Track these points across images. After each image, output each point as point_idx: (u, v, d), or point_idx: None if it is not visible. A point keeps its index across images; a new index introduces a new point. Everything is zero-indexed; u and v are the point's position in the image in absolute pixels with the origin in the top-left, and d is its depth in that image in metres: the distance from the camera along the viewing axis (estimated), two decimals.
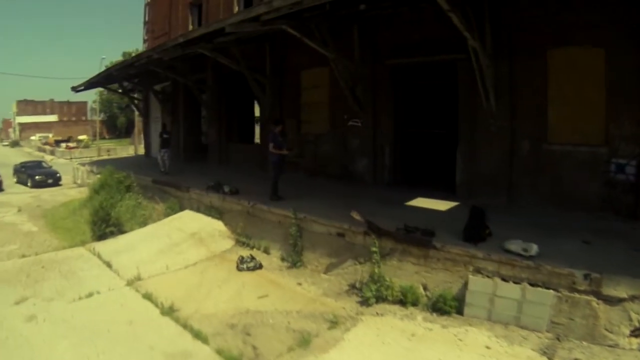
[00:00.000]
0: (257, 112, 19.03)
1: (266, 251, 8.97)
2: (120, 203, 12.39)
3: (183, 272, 8.57)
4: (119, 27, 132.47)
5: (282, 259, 8.54)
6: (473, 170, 9.94)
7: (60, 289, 7.86)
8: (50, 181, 21.14)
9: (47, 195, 18.86)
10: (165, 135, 15.18)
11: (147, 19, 21.57)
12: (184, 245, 9.66)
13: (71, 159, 35.09)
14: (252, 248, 9.27)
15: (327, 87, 12.83)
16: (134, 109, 59.61)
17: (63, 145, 43.51)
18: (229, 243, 9.83)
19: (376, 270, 6.68)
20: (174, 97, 19.53)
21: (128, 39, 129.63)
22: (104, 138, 41.30)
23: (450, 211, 8.95)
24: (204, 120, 19.99)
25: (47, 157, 37.37)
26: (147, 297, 7.34)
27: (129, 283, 8.03)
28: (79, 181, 21.05)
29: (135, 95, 22.10)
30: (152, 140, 21.91)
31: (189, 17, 18.61)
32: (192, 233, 10.12)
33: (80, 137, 45.53)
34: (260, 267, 8.42)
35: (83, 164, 21.31)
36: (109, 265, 9.00)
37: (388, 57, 11.29)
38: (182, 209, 11.84)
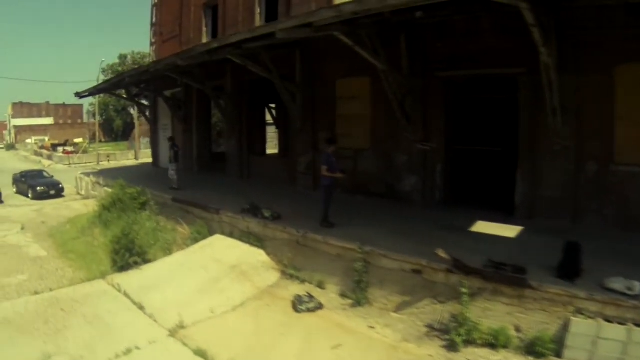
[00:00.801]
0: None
1: (320, 286, 7.80)
2: (139, 225, 10.92)
3: (232, 317, 7.23)
4: (116, 28, 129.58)
5: (342, 296, 7.45)
6: (534, 191, 9.25)
7: (89, 342, 6.45)
8: (52, 192, 19.44)
9: (51, 208, 17.21)
10: (175, 149, 13.75)
11: (154, 20, 20.06)
12: (226, 281, 8.31)
13: (70, 164, 33.12)
14: (302, 282, 8.06)
15: (368, 98, 11.64)
16: (133, 112, 58.15)
17: (60, 149, 41.27)
18: (274, 276, 8.53)
19: (464, 312, 5.99)
20: (187, 104, 18.11)
21: (125, 39, 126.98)
22: (100, 141, 39.28)
23: (520, 239, 8.16)
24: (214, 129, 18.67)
25: (45, 163, 35.27)
26: (201, 354, 6.02)
27: (172, 333, 6.66)
28: (82, 192, 19.44)
29: (143, 102, 20.54)
30: (161, 150, 20.41)
31: (203, 19, 17.21)
32: (232, 265, 8.77)
33: (77, 140, 43.39)
34: (320, 307, 7.17)
35: (87, 174, 19.68)
36: (140, 307, 7.57)
37: (439, 69, 10.25)
38: (211, 233, 10.47)
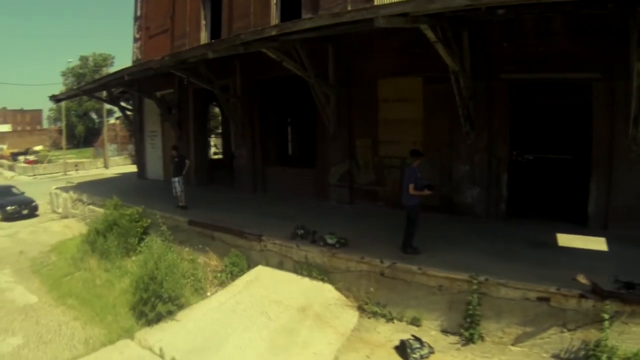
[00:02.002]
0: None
1: (415, 323, 6.57)
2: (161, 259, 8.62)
3: None
4: (76, 30, 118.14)
5: (444, 332, 6.38)
6: (610, 201, 8.34)
7: None
8: (25, 212, 16.19)
9: (26, 232, 14.16)
10: (177, 159, 11.48)
11: (139, 13, 17.26)
12: (304, 330, 6.46)
13: (35, 175, 28.88)
14: (389, 320, 6.71)
15: (419, 101, 10.01)
16: (94, 117, 53.12)
17: (21, 158, 36.18)
18: (352, 316, 6.87)
19: (603, 338, 5.37)
20: (181, 107, 15.60)
21: (84, 42, 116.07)
22: (61, 148, 34.96)
23: (613, 251, 7.28)
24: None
25: (7, 174, 30.54)
26: None
27: None
28: (59, 210, 16.43)
29: (124, 105, 17.73)
30: (148, 159, 17.73)
31: (201, 10, 14.77)
32: (300, 307, 6.94)
33: (36, 148, 38.40)
34: (433, 351, 5.93)
35: (65, 189, 16.64)
36: None
37: (505, 71, 8.92)
38: (250, 265, 8.46)
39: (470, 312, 6.08)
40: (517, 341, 6.00)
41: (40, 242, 13.05)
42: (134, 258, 10.51)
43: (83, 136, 49.71)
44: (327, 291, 7.30)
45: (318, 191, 11.68)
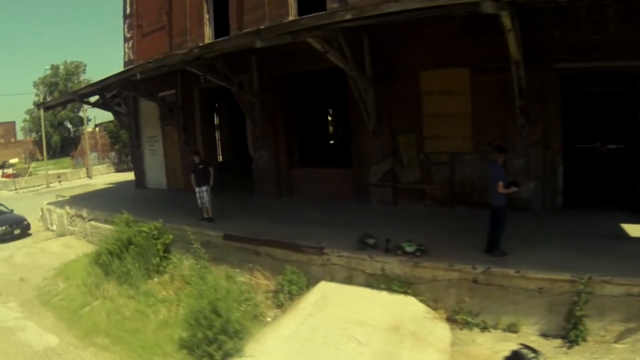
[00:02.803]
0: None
1: (511, 329, 6.04)
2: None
3: None
4: (45, 39, 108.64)
5: (544, 336, 5.91)
6: None
7: None
8: (17, 232, 14.13)
9: (22, 254, 12.29)
10: (200, 166, 10.14)
11: (129, 11, 15.46)
12: (405, 353, 5.59)
13: (16, 189, 25.99)
14: (483, 329, 6.13)
15: (467, 93, 9.18)
16: (70, 126, 49.52)
17: None
18: (444, 328, 6.16)
19: None
20: (185, 109, 14.12)
21: (58, 49, 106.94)
22: (38, 160, 31.99)
23: None
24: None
25: None
26: None
27: None
28: (54, 227, 14.61)
29: (118, 109, 15.95)
30: (147, 167, 16.09)
31: (204, 4, 13.28)
32: (391, 326, 6.02)
33: (12, 161, 34.97)
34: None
35: (59, 204, 14.77)
36: None
37: (557, 60, 8.27)
38: (310, 281, 7.38)
39: (577, 312, 5.68)
40: (619, 338, 5.68)
41: (41, 265, 11.33)
42: (156, 280, 9.27)
43: (59, 146, 46.23)
44: (412, 305, 6.44)
45: (356, 193, 10.65)
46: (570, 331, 5.69)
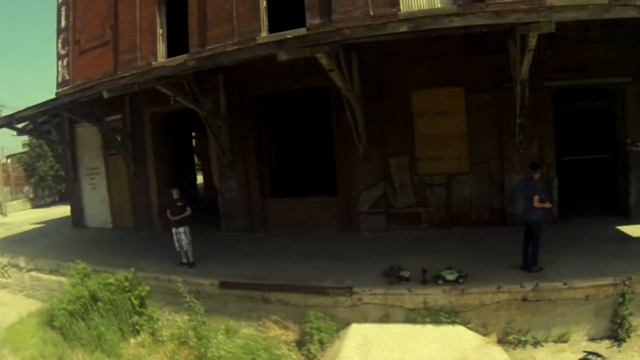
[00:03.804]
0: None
1: (562, 340, 6.18)
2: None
3: None
4: None
5: (591, 340, 6.19)
6: None
7: None
8: None
9: None
10: (179, 204, 8.76)
11: (64, 24, 13.36)
12: None
13: None
14: (535, 345, 6.16)
15: (462, 112, 9.36)
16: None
17: None
18: (499, 352, 6.05)
19: None
20: (134, 136, 12.47)
21: None
22: None
23: None
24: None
25: None
26: None
27: None
28: None
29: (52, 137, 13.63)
30: (86, 204, 13.92)
31: (157, 17, 11.94)
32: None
33: None
34: None
35: None
36: None
37: (549, 79, 8.86)
38: (339, 325, 6.62)
39: (622, 312, 6.02)
40: None
41: None
42: (133, 341, 7.87)
43: None
44: (464, 334, 6.16)
45: (343, 222, 10.08)
46: (616, 330, 6.05)
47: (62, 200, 24.02)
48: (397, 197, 9.63)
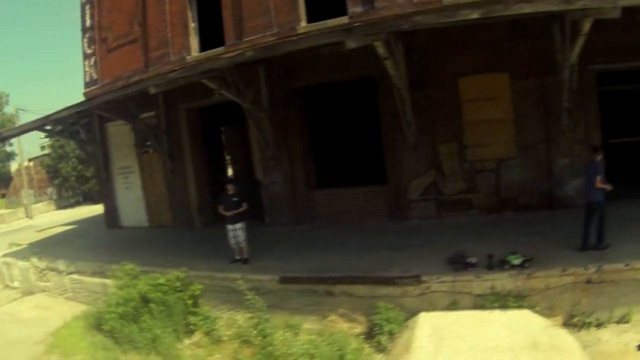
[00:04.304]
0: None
1: (624, 320, 6.19)
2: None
3: None
4: None
5: None
6: None
7: None
8: None
9: None
10: (235, 199, 8.66)
11: (88, 24, 13.32)
12: None
13: None
14: (599, 326, 6.19)
15: (507, 98, 9.36)
16: None
17: None
18: (566, 334, 6.09)
19: None
20: (170, 132, 12.51)
21: None
22: None
23: None
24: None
25: None
26: None
27: None
28: (15, 284, 12.01)
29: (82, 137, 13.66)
30: (121, 203, 14.05)
31: (188, 12, 11.88)
32: (528, 345, 5.72)
33: None
34: None
35: (21, 256, 12.11)
36: None
37: (594, 62, 8.70)
38: (407, 314, 6.70)
39: None
40: None
41: (19, 339, 8.88)
42: (188, 341, 7.85)
43: None
44: (532, 318, 6.24)
45: (393, 210, 10.19)
46: None
47: (85, 201, 24.43)
48: (446, 183, 9.72)
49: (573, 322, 6.26)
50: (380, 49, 7.22)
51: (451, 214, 9.66)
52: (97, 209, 20.35)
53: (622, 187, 9.66)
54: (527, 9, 5.94)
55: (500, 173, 9.39)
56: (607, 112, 10.14)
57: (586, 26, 6.52)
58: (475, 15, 6.10)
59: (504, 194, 9.43)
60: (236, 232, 8.58)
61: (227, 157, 18.15)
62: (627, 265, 6.19)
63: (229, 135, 16.37)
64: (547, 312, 6.35)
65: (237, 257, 8.78)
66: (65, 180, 24.19)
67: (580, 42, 7.08)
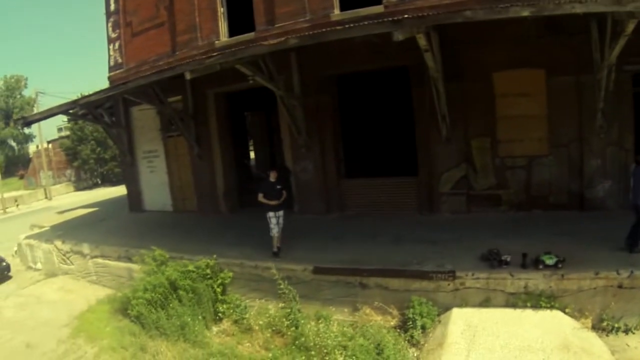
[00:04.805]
0: None
1: None
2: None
3: None
4: None
5: None
6: None
7: None
8: None
9: (12, 307, 9.91)
10: (278, 187, 8.55)
11: (113, 8, 13.29)
12: None
13: None
14: (627, 332, 6.22)
15: (542, 94, 9.28)
16: (14, 144, 42.95)
17: None
18: (595, 337, 6.17)
19: None
20: (198, 118, 12.57)
21: None
22: None
23: None
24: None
25: None
26: None
27: None
28: (38, 266, 12.30)
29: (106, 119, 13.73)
30: (144, 187, 14.20)
31: None
32: (560, 346, 5.85)
33: None
34: None
35: (45, 238, 12.36)
36: None
37: (628, 62, 8.53)
38: (440, 310, 6.86)
39: None
40: None
41: (44, 321, 9.12)
42: (216, 329, 8.02)
43: (3, 166, 40.09)
44: (563, 319, 6.33)
45: (422, 203, 10.27)
46: None
47: (103, 183, 24.77)
48: (478, 178, 9.74)
49: (602, 326, 6.31)
50: (422, 41, 7.17)
51: (480, 209, 9.70)
52: (116, 191, 20.70)
53: None
54: (579, 8, 5.83)
55: (532, 170, 9.38)
56: None
57: (630, 27, 6.42)
58: (526, 13, 6.02)
59: (535, 191, 9.43)
60: (280, 219, 8.48)
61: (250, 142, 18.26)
62: None
63: (253, 120, 16.43)
64: (578, 314, 6.39)
65: (278, 246, 8.51)
66: (85, 163, 24.53)
67: (621, 43, 6.99)
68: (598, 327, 6.31)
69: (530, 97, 9.16)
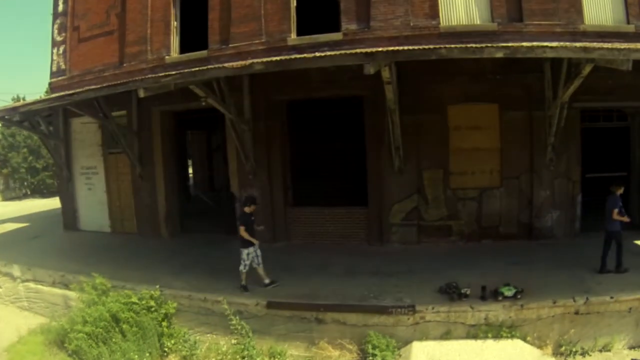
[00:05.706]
0: None
1: (606, 349, 6.75)
2: None
3: None
4: None
5: (632, 348, 6.81)
6: None
7: None
8: None
9: None
10: (252, 218, 8.08)
11: (61, 9, 12.27)
12: None
13: None
14: (583, 355, 6.69)
15: (495, 128, 9.70)
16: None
17: None
18: None
19: None
20: (141, 135, 11.79)
21: None
22: None
23: None
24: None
25: None
26: None
27: None
28: None
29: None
30: (81, 206, 13.12)
31: (171, 9, 11.29)
32: None
33: None
34: None
35: None
36: None
37: (578, 100, 9.02)
38: (400, 344, 6.69)
39: None
40: None
41: None
42: None
43: None
44: (523, 347, 6.52)
45: (372, 234, 10.15)
46: None
47: (34, 193, 22.75)
48: (429, 209, 9.83)
49: (560, 351, 6.66)
50: (386, 74, 7.19)
51: (431, 239, 9.78)
52: (48, 204, 19.05)
53: (594, 220, 10.26)
54: (550, 53, 6.22)
55: (483, 202, 9.66)
56: (586, 148, 10.75)
57: (587, 70, 6.83)
58: (500, 54, 6.30)
59: (485, 222, 9.69)
60: (255, 253, 7.86)
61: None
62: (612, 297, 6.69)
63: (193, 139, 15.77)
64: (537, 342, 6.68)
65: (267, 282, 7.87)
66: (15, 171, 22.49)
67: (576, 84, 7.44)
68: (557, 353, 6.65)
69: (483, 131, 9.50)
